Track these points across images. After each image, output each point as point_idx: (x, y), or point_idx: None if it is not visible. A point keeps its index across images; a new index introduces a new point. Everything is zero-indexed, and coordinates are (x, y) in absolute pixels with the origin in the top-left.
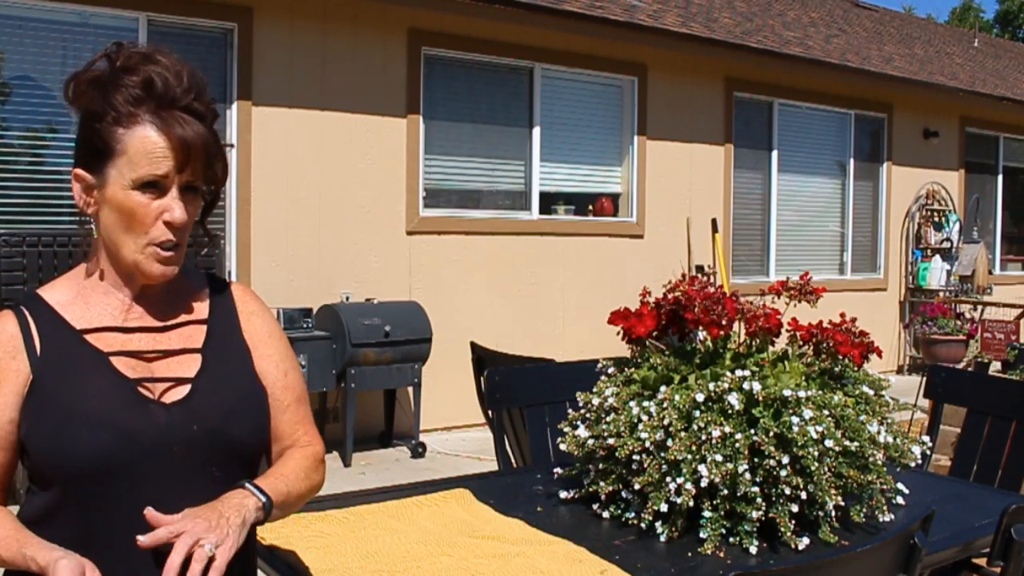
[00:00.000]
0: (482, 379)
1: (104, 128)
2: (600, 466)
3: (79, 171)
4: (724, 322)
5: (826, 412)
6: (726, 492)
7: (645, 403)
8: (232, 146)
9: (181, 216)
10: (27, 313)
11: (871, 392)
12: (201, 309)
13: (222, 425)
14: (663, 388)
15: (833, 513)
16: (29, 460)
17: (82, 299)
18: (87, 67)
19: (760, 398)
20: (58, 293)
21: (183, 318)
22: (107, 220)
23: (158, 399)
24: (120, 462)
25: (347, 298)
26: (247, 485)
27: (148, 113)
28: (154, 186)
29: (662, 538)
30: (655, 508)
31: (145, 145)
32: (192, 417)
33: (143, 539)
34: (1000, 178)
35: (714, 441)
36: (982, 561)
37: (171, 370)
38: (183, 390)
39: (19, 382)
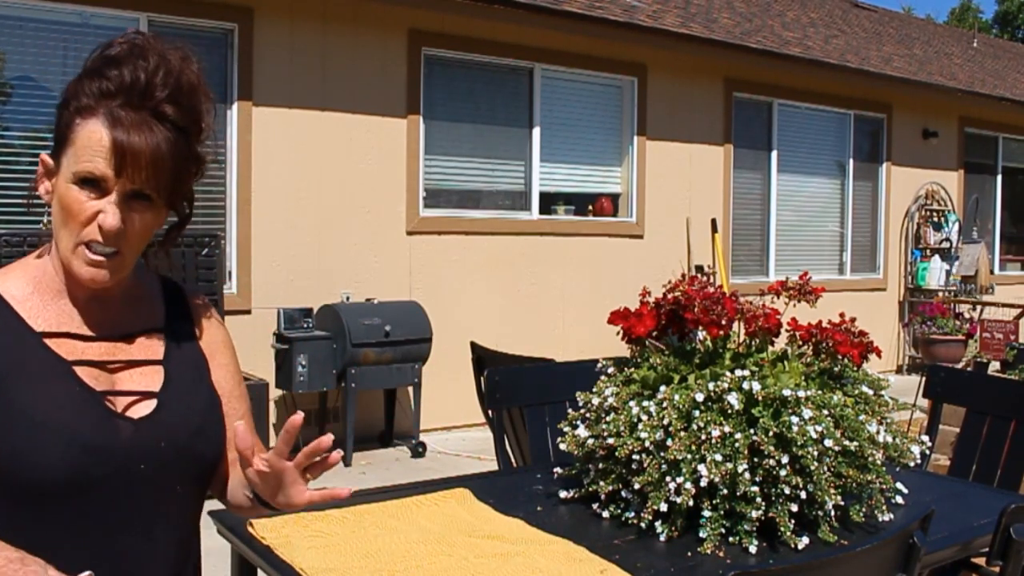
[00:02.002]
0: (482, 379)
1: (66, 116)
2: (600, 466)
3: (44, 155)
4: (724, 322)
5: (825, 412)
6: (726, 492)
7: (645, 403)
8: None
9: (112, 223)
10: None
11: (870, 392)
12: (157, 316)
13: (190, 441)
14: (663, 388)
15: (832, 513)
16: None
17: (38, 295)
18: (104, 47)
19: (760, 398)
20: (12, 286)
21: (141, 326)
22: (54, 211)
23: (122, 413)
24: (87, 478)
25: (347, 298)
26: None
27: (105, 108)
28: (94, 185)
29: (662, 537)
30: (655, 508)
31: (90, 139)
32: (160, 433)
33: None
34: (999, 178)
35: (714, 441)
36: (981, 560)
37: (135, 382)
38: (149, 405)
39: None
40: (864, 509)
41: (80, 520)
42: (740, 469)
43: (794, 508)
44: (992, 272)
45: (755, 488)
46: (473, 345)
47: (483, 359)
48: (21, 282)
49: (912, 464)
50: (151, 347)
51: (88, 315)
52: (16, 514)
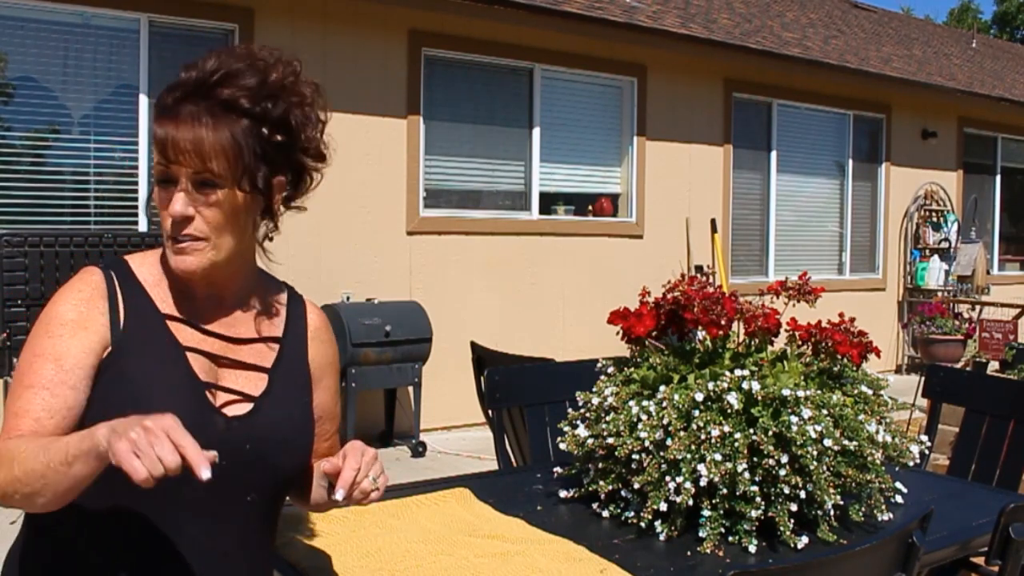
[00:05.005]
0: (482, 379)
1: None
2: (600, 465)
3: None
4: (723, 322)
5: (825, 411)
6: (725, 491)
7: (644, 403)
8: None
9: (177, 209)
10: (115, 280)
11: (870, 391)
12: (275, 326)
13: (273, 451)
14: (662, 388)
15: (832, 512)
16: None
17: (165, 284)
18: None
19: (759, 397)
20: (147, 272)
21: (256, 332)
22: None
23: (219, 408)
24: None
25: (348, 298)
26: None
27: (166, 105)
28: (167, 182)
29: (661, 537)
30: (655, 507)
31: (155, 139)
32: (248, 436)
33: (326, 464)
34: (998, 178)
35: (713, 440)
36: (980, 560)
37: (237, 383)
38: (245, 407)
39: (103, 338)
40: (863, 509)
41: (155, 501)
42: (740, 469)
43: (793, 508)
44: (989, 272)
45: (755, 488)
46: (473, 345)
47: (483, 359)
48: (155, 269)
49: (911, 464)
50: (262, 354)
51: (207, 310)
52: (100, 488)
